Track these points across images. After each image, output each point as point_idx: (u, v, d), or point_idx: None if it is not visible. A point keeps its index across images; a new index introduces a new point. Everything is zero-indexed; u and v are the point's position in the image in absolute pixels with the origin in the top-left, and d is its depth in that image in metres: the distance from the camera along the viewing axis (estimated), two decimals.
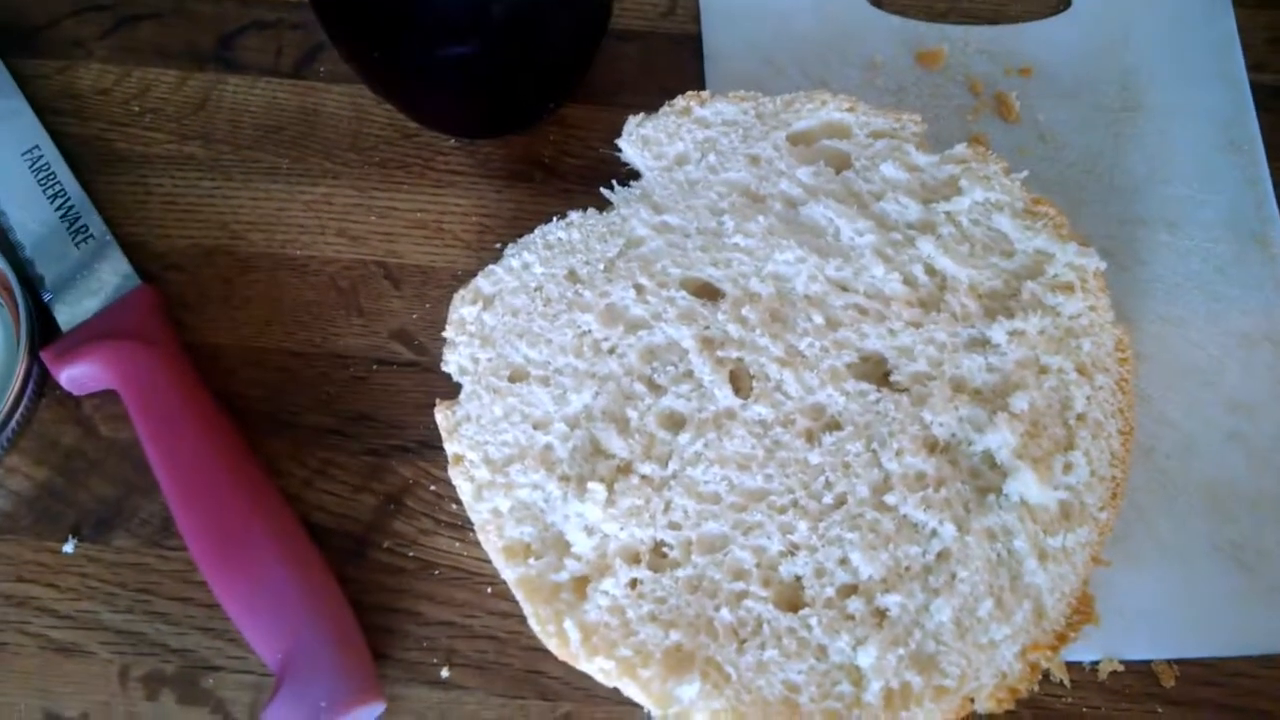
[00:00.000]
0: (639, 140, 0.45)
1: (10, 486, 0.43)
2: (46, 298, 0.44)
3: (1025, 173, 0.43)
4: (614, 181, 0.44)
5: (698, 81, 0.50)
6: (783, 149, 0.45)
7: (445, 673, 0.40)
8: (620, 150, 0.45)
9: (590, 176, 0.48)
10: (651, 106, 0.47)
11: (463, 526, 0.42)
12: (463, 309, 0.41)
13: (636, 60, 0.51)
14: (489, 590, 0.41)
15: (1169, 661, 0.42)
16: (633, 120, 0.45)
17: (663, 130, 0.45)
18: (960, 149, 0.44)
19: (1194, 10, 0.52)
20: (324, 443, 0.44)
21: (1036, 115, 0.50)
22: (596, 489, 0.38)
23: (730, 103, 0.46)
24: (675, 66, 0.51)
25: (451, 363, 0.41)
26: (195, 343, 0.45)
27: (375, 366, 0.45)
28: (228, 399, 0.44)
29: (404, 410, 0.44)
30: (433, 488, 0.43)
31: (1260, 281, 0.47)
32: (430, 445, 0.43)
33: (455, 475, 0.39)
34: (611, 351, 0.41)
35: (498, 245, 0.47)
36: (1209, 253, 0.47)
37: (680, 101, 0.46)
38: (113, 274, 0.45)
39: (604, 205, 0.44)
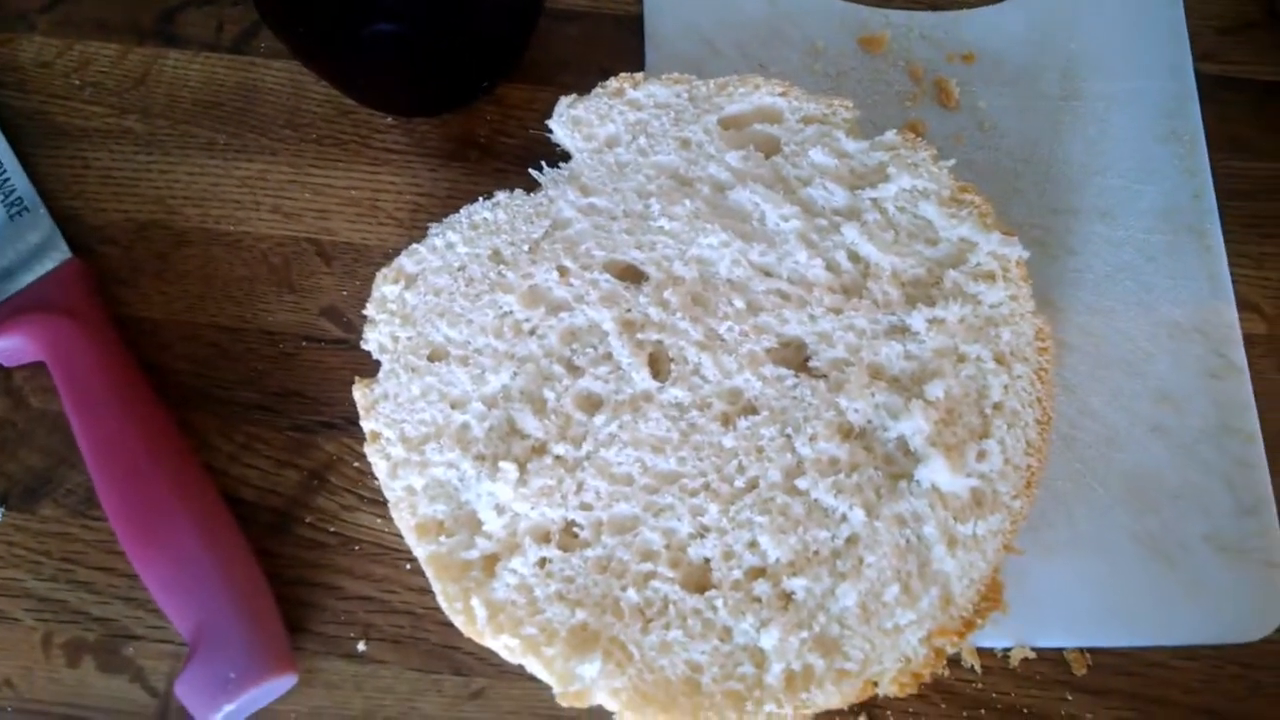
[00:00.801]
0: (570, 121, 0.45)
1: None
2: None
3: (953, 161, 0.43)
4: (543, 163, 0.44)
5: (638, 63, 0.50)
6: (714, 133, 0.45)
7: (362, 646, 0.41)
8: (551, 131, 0.45)
9: (525, 157, 0.48)
10: (591, 88, 0.47)
11: (384, 503, 0.42)
12: (385, 287, 0.42)
13: (577, 40, 0.51)
14: (408, 566, 0.42)
15: (1082, 650, 0.42)
16: (564, 101, 0.45)
17: (594, 112, 0.45)
18: (890, 135, 0.44)
19: None
20: (251, 418, 0.44)
21: (977, 102, 0.50)
22: (508, 468, 0.39)
23: (664, 85, 0.46)
24: (616, 47, 0.51)
25: (372, 341, 0.41)
26: (128, 316, 0.45)
27: (304, 343, 0.45)
28: (159, 373, 0.44)
29: (331, 387, 0.45)
30: (356, 464, 0.43)
31: (1193, 272, 0.47)
32: (355, 422, 0.43)
33: (371, 453, 0.39)
34: (532, 333, 0.41)
35: (430, 225, 0.47)
36: (1143, 243, 0.47)
37: (613, 83, 0.46)
38: (45, 247, 0.45)
39: (536, 186, 0.44)
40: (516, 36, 0.46)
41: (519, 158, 0.49)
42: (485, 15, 0.42)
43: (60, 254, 0.45)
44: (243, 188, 0.48)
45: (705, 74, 0.47)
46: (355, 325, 0.45)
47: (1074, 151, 0.49)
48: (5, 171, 0.47)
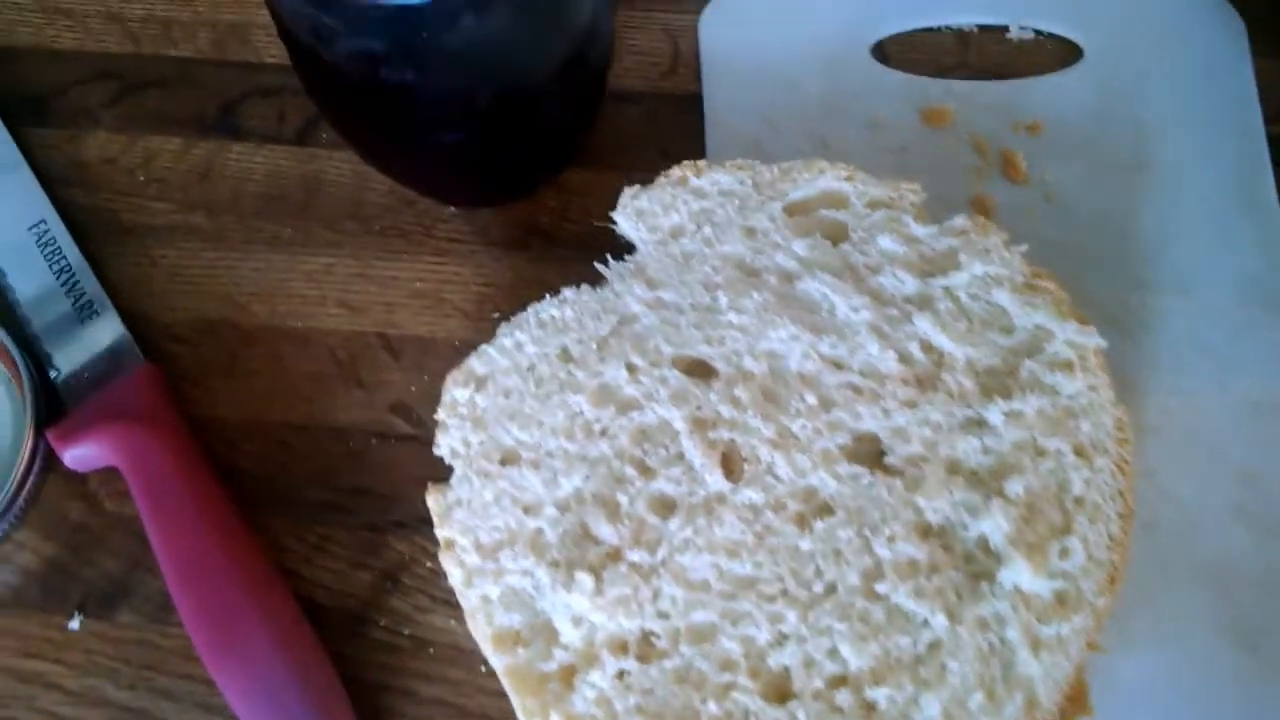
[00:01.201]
0: (634, 213, 0.45)
1: (18, 562, 0.44)
2: (53, 374, 0.45)
3: (1025, 246, 0.42)
4: (608, 255, 0.44)
5: (699, 142, 0.50)
6: (779, 220, 0.45)
7: None
8: (615, 224, 0.45)
9: (589, 243, 0.48)
10: (652, 169, 0.47)
11: (458, 605, 0.42)
12: (455, 391, 0.42)
13: (637, 121, 0.51)
14: (483, 669, 0.42)
15: None
16: (628, 192, 0.45)
17: (658, 202, 0.45)
18: (959, 220, 0.44)
19: (1210, 60, 0.51)
20: (323, 518, 0.44)
21: (1044, 174, 0.49)
22: (584, 579, 0.38)
23: (727, 172, 0.46)
24: (676, 127, 0.51)
25: (444, 446, 0.41)
26: (198, 416, 0.46)
27: (374, 440, 0.45)
28: (229, 473, 0.45)
29: (402, 484, 0.45)
30: (429, 564, 0.43)
31: (1275, 347, 0.46)
32: (427, 521, 0.43)
33: (446, 561, 0.39)
34: (603, 433, 0.41)
35: (495, 315, 0.47)
36: (1220, 318, 0.46)
37: (676, 172, 0.46)
38: (117, 351, 0.46)
39: (601, 276, 0.44)
40: (579, 128, 0.46)
41: (582, 244, 0.48)
42: (549, 113, 0.42)
43: (133, 359, 0.46)
44: (309, 283, 0.48)
45: (766, 152, 0.47)
46: (424, 421, 0.45)
47: (1146, 223, 0.48)
48: (74, 274, 0.47)
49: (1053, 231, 0.48)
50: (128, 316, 0.47)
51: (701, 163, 0.46)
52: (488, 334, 0.46)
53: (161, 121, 0.51)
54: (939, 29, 0.52)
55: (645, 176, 0.49)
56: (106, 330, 0.46)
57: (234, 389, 0.46)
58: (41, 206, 0.49)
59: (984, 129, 0.50)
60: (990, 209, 0.48)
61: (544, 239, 0.49)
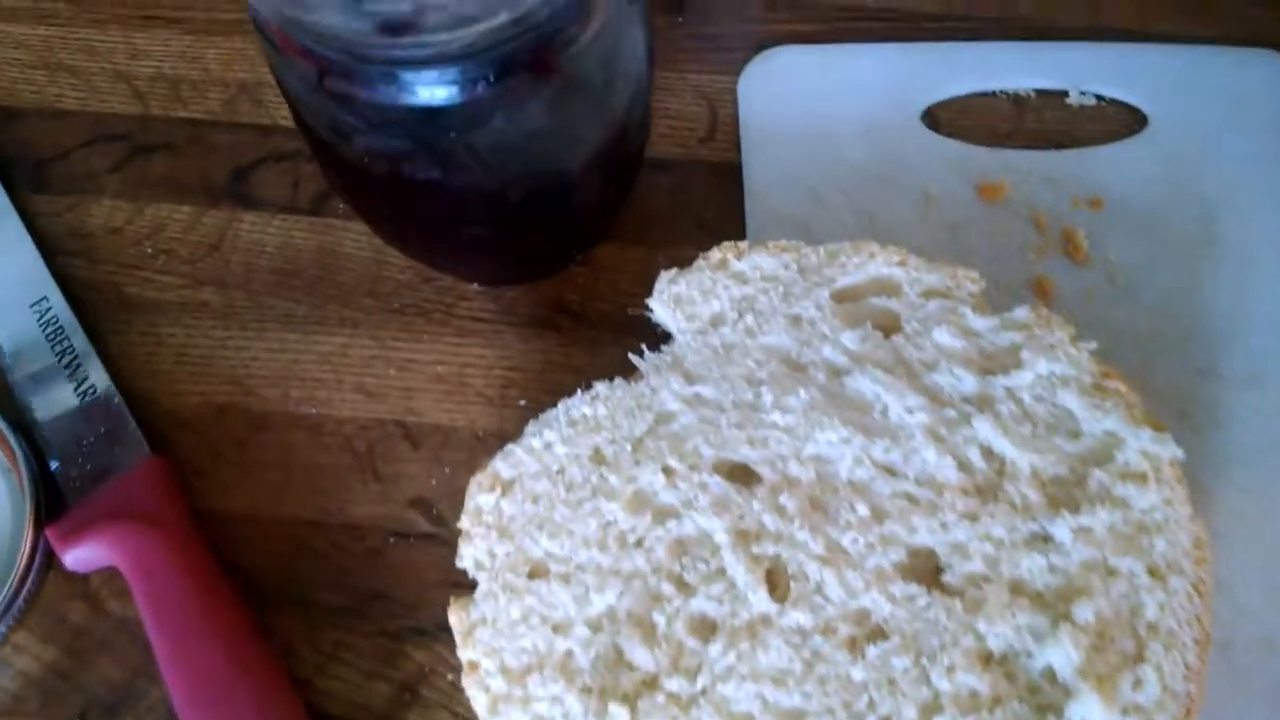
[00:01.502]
0: (670, 299, 0.42)
1: (17, 666, 0.41)
2: (53, 465, 0.43)
3: (1094, 344, 0.39)
4: (643, 346, 0.41)
5: (738, 215, 0.47)
6: (826, 309, 0.42)
7: None
8: (650, 310, 0.42)
9: (620, 323, 0.46)
10: (687, 243, 0.44)
11: None
12: (479, 497, 0.39)
13: (671, 191, 0.48)
14: None
15: None
16: (664, 277, 0.42)
17: (696, 287, 0.42)
18: (1022, 313, 0.41)
19: None
20: (337, 623, 0.42)
21: (1107, 253, 0.46)
22: (618, 712, 0.36)
23: (770, 254, 0.43)
24: (712, 198, 0.48)
25: (467, 557, 0.38)
26: (205, 509, 0.43)
27: (392, 539, 0.43)
28: (239, 572, 0.42)
29: (420, 588, 0.42)
30: (449, 676, 0.41)
31: None
32: (447, 628, 0.40)
33: (469, 685, 0.37)
34: (638, 545, 0.38)
35: (521, 402, 0.44)
36: None
37: (716, 254, 0.43)
38: (121, 442, 0.43)
39: (634, 352, 0.41)
40: (613, 208, 0.43)
41: (613, 324, 0.46)
42: (582, 200, 0.39)
43: (138, 450, 0.43)
44: (323, 365, 0.45)
45: (810, 226, 0.44)
46: (444, 518, 0.43)
47: (1217, 306, 0.45)
48: (77, 356, 0.45)
49: (1116, 316, 0.45)
50: (133, 399, 0.45)
51: (742, 244, 0.43)
52: (512, 422, 0.44)
53: (170, 188, 0.49)
54: (993, 93, 0.49)
55: (680, 252, 0.46)
56: (111, 418, 0.44)
57: (243, 481, 0.44)
58: (42, 281, 0.46)
59: (1043, 204, 0.47)
60: (1050, 291, 0.45)
61: (573, 319, 0.46)
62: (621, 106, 0.36)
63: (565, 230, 0.42)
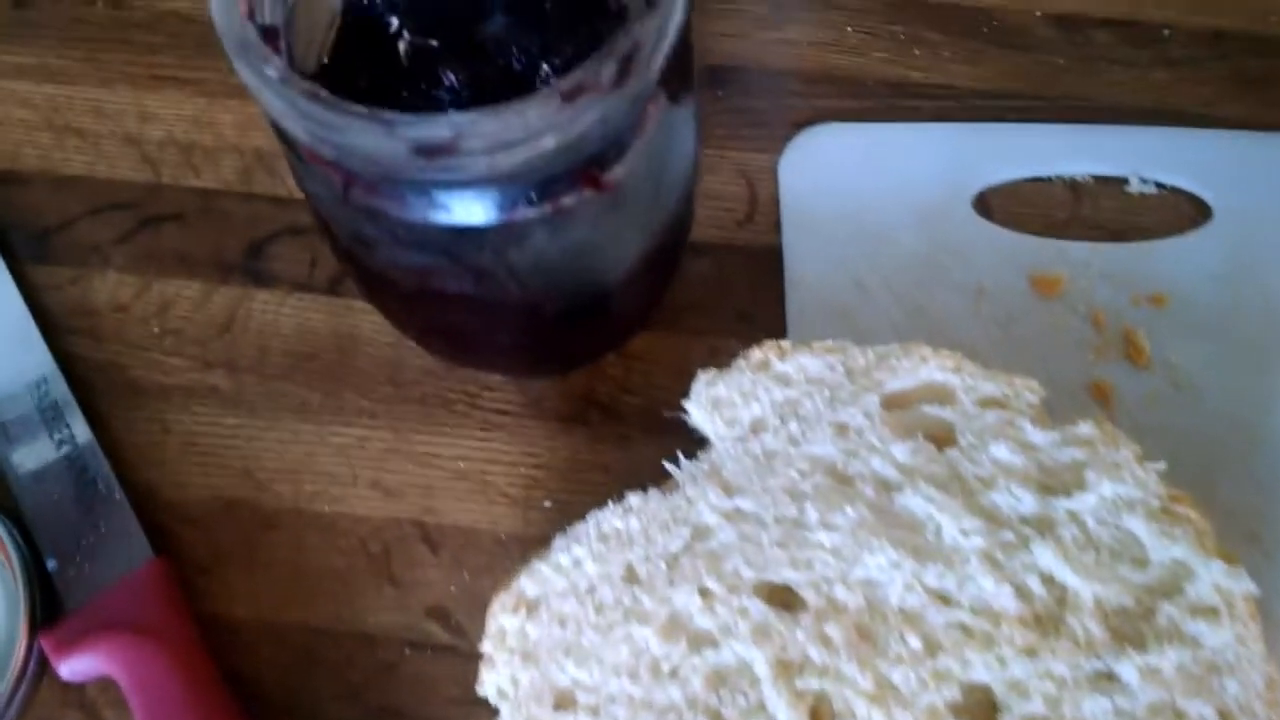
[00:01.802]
0: (709, 402, 0.39)
1: None
2: (50, 565, 0.41)
3: (1162, 464, 0.37)
4: (679, 453, 0.38)
5: (778, 303, 0.44)
6: (875, 416, 0.39)
7: None
8: (687, 414, 0.39)
9: (653, 419, 0.43)
10: (725, 332, 0.42)
11: None
12: (503, 618, 0.36)
13: (708, 277, 0.45)
14: None
15: None
16: (702, 378, 0.40)
17: (736, 390, 0.40)
18: (1085, 429, 0.38)
19: None
20: None
21: (1169, 355, 0.43)
22: None
23: (815, 355, 0.40)
24: (752, 285, 0.45)
25: (489, 684, 0.36)
26: (210, 614, 0.41)
27: (408, 650, 0.40)
28: (243, 682, 0.40)
29: (438, 705, 0.40)
30: None
31: None
32: None
33: None
34: (673, 675, 0.36)
35: (547, 503, 0.42)
36: None
37: (756, 354, 0.40)
38: (122, 540, 0.41)
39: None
40: (653, 301, 0.40)
41: (646, 419, 0.43)
42: (621, 304, 0.37)
43: (140, 551, 0.41)
44: (339, 458, 0.43)
45: (854, 318, 0.42)
46: (464, 628, 0.41)
47: None
48: (76, 443, 0.42)
49: (1179, 423, 0.42)
50: (136, 491, 0.42)
51: (785, 344, 0.40)
52: (537, 525, 0.42)
53: (179, 262, 0.46)
54: (1049, 179, 0.47)
55: (718, 342, 0.44)
56: (112, 515, 0.41)
57: (252, 583, 0.41)
58: (43, 362, 0.44)
59: (1101, 300, 0.44)
60: (1109, 395, 0.43)
61: (603, 413, 0.43)
62: (670, 208, 0.34)
63: (602, 332, 0.39)
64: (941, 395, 0.40)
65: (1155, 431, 0.42)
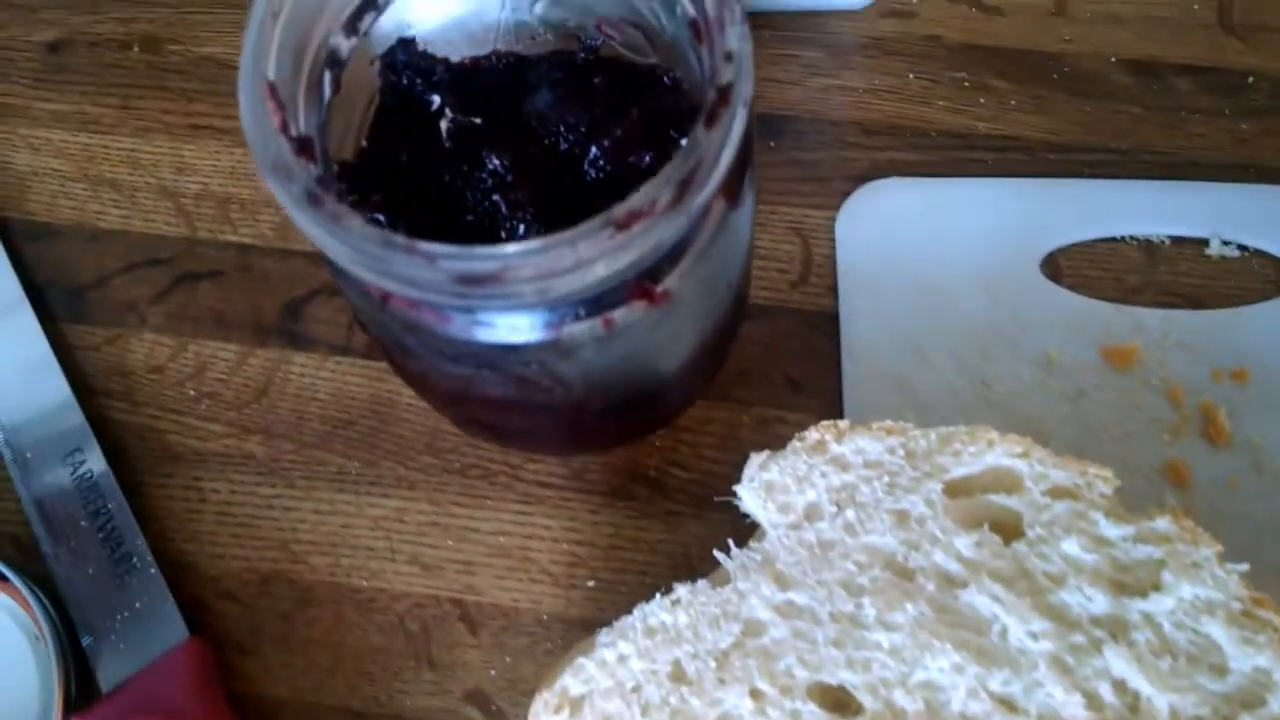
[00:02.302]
0: (761, 487, 0.38)
1: None
2: (85, 641, 0.40)
3: (1245, 566, 0.35)
4: (730, 542, 0.36)
5: (833, 372, 0.43)
6: (938, 505, 0.37)
7: None
8: (738, 499, 0.37)
9: (701, 494, 0.42)
10: (776, 403, 0.41)
11: None
12: (545, 718, 0.35)
13: (761, 343, 0.44)
14: None
15: None
16: (754, 462, 0.38)
17: (790, 474, 0.38)
18: (1163, 524, 0.36)
19: None
20: None
21: (1251, 434, 0.41)
22: None
23: (873, 437, 0.38)
24: (805, 352, 0.44)
25: None
26: (245, 694, 0.40)
27: None
28: None
29: None
30: None
31: None
32: None
33: None
34: None
35: (590, 583, 0.41)
36: None
37: (812, 435, 0.38)
38: (158, 619, 0.40)
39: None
40: (706, 384, 0.39)
41: (694, 495, 0.42)
42: (672, 393, 0.35)
43: (174, 630, 0.40)
44: (376, 531, 0.42)
45: (914, 389, 0.40)
46: (504, 713, 0.39)
47: None
48: (113, 519, 0.41)
49: (1262, 510, 0.40)
50: (171, 564, 0.42)
51: (842, 424, 0.39)
52: (579, 605, 0.40)
53: (216, 322, 0.45)
54: (1123, 239, 0.44)
55: (769, 413, 0.43)
56: (147, 591, 0.40)
57: (288, 662, 0.40)
58: (79, 431, 0.43)
59: (1178, 373, 0.42)
60: (1186, 478, 0.40)
61: (649, 487, 0.42)
62: (725, 302, 0.32)
63: (650, 420, 0.38)
64: (1008, 483, 0.38)
65: (1235, 518, 0.40)
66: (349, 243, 0.23)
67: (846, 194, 0.45)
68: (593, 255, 0.23)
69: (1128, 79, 0.47)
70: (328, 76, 0.28)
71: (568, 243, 0.23)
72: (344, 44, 0.29)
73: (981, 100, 0.47)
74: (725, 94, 0.24)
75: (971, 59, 0.48)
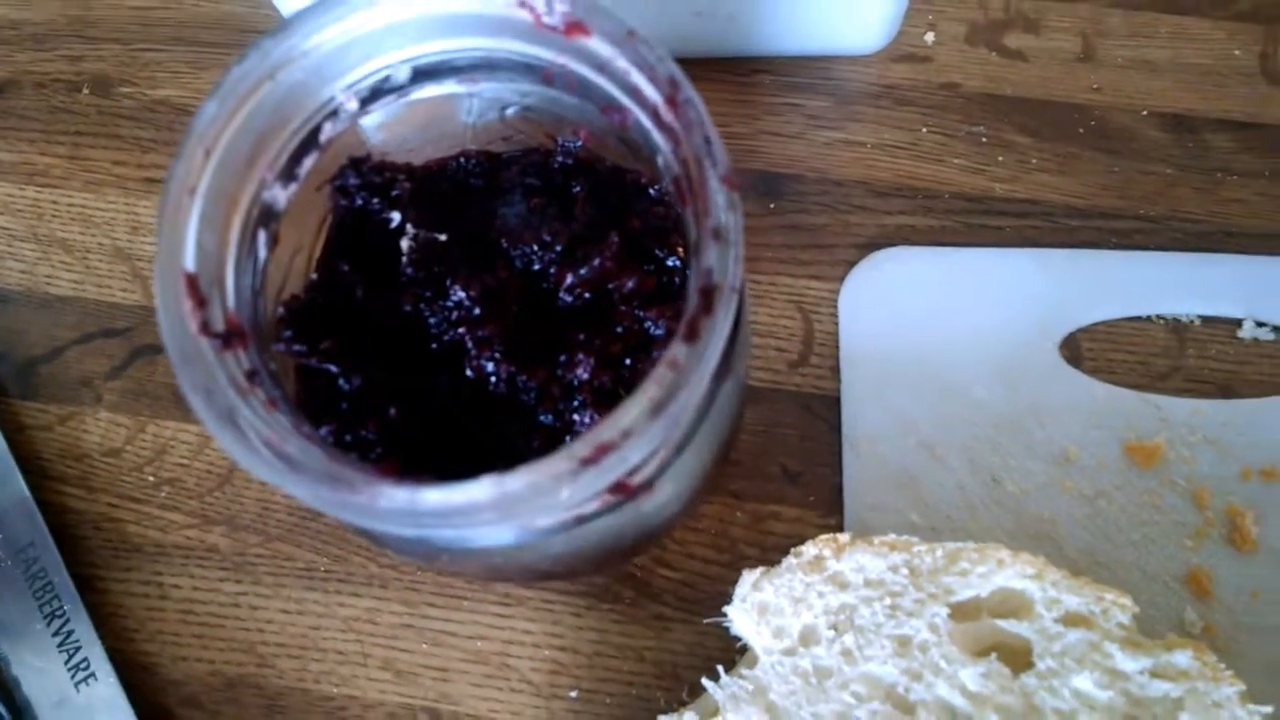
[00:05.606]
0: (754, 608, 0.36)
1: None
2: None
3: (1269, 708, 0.33)
4: (720, 670, 0.35)
5: (832, 463, 0.41)
6: (942, 630, 0.36)
7: None
8: (728, 620, 0.36)
9: (691, 597, 0.40)
10: (771, 497, 0.39)
11: None
12: None
13: (756, 431, 0.42)
14: None
15: None
16: (746, 579, 0.36)
17: (786, 594, 0.36)
18: (1183, 659, 0.34)
19: None
20: None
21: (1277, 540, 0.38)
22: None
23: (875, 553, 0.37)
24: (803, 439, 0.42)
25: None
26: None
27: None
28: None
29: None
30: None
31: None
32: None
33: None
34: None
35: (573, 693, 0.39)
36: None
37: (810, 550, 0.37)
38: None
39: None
40: (695, 509, 0.36)
41: (683, 598, 0.40)
42: (662, 532, 0.33)
43: None
44: (348, 633, 0.40)
45: (920, 486, 0.38)
46: None
47: None
48: (68, 621, 0.40)
49: None
50: (131, 667, 0.41)
51: (842, 538, 0.37)
52: (561, 718, 0.38)
53: (175, 400, 0.43)
54: (1149, 318, 0.41)
55: (762, 507, 0.41)
56: (103, 704, 0.38)
57: None
58: (30, 522, 0.41)
59: (1205, 472, 0.40)
60: (1208, 587, 0.39)
61: (635, 589, 0.40)
62: (714, 454, 0.29)
63: (640, 549, 0.35)
64: (1018, 607, 0.36)
65: (1259, 632, 0.38)
66: (285, 481, 0.21)
67: (851, 263, 0.43)
68: (557, 487, 0.20)
69: (1161, 134, 0.44)
70: (263, 236, 0.26)
71: (529, 479, 0.20)
72: (281, 195, 0.27)
73: (1000, 158, 0.44)
74: (710, 298, 0.21)
75: (991, 110, 0.45)
